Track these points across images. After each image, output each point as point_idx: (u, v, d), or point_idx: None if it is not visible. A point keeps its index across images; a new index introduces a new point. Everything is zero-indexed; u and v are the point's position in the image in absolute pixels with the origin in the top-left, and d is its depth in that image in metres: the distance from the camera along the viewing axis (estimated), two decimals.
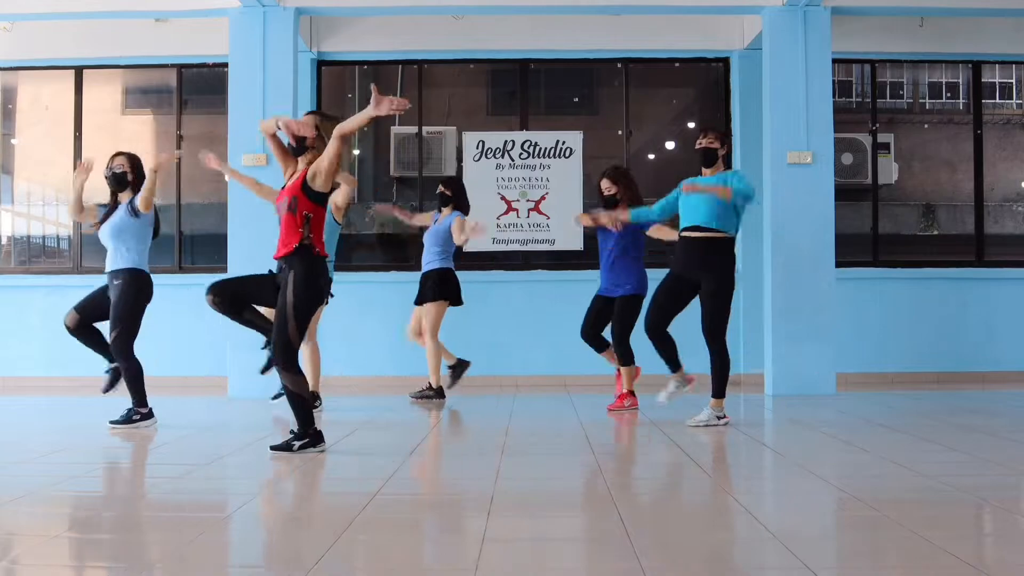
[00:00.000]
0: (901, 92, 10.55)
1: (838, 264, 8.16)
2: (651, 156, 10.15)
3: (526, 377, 8.45)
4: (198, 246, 9.84)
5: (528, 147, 9.39)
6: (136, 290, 5.89)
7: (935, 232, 10.22)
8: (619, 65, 9.77)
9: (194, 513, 3.74)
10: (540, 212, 9.45)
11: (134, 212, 6.00)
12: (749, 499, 3.86)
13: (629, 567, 2.80)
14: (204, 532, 3.31)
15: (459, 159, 9.64)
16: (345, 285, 9.19)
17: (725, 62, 9.78)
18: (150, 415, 5.89)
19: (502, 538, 3.22)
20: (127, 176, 6.10)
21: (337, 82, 10.12)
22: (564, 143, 9.52)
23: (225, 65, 8.69)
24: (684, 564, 2.98)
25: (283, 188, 5.05)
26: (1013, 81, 10.36)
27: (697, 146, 6.19)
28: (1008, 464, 4.52)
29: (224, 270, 8.31)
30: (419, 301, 7.47)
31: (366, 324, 8.94)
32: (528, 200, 9.39)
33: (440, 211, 7.65)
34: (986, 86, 10.08)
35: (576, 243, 9.27)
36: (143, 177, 6.08)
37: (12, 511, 3.66)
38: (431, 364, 7.43)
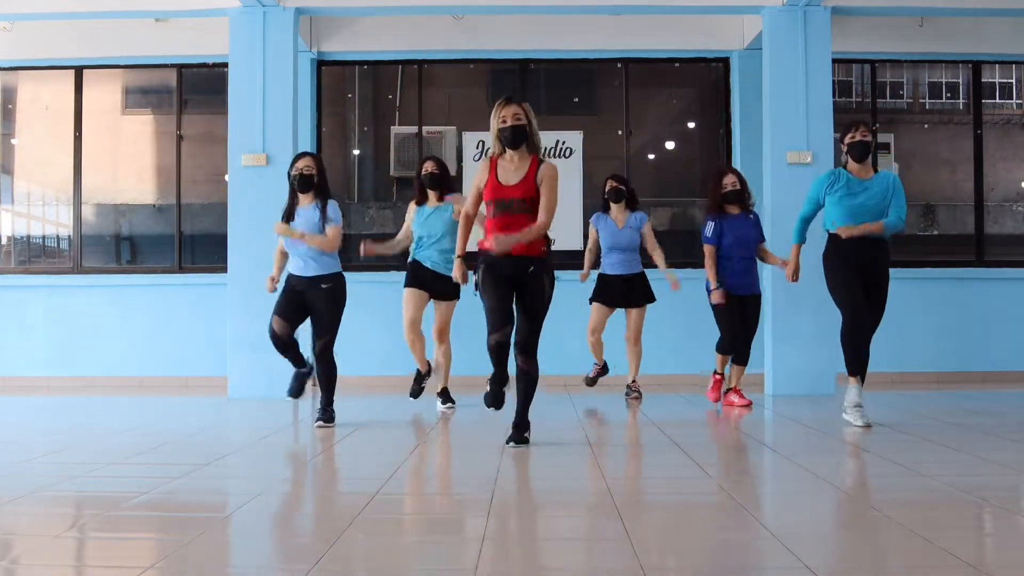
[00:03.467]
0: (901, 92, 10.55)
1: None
2: (651, 156, 10.15)
3: None
4: (198, 246, 9.85)
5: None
6: (343, 293, 6.06)
7: (935, 232, 10.21)
8: (619, 65, 9.77)
9: (194, 513, 3.74)
10: None
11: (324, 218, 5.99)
12: (749, 499, 3.86)
13: (629, 567, 2.80)
14: (204, 532, 3.31)
15: (459, 159, 9.64)
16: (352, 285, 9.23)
17: (725, 62, 9.78)
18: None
19: (502, 538, 3.22)
20: (314, 178, 6.02)
21: (337, 82, 10.12)
22: (564, 143, 9.52)
23: (225, 65, 8.69)
24: (684, 564, 2.98)
25: (500, 187, 5.03)
26: (1013, 81, 10.36)
27: (849, 139, 5.83)
28: (1008, 464, 4.52)
29: (224, 270, 8.32)
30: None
31: (366, 324, 8.92)
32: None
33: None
34: (986, 86, 10.08)
35: (576, 243, 9.27)
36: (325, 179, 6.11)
37: (12, 511, 3.66)
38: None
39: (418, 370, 7.00)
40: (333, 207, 6.04)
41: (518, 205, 4.95)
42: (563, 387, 8.56)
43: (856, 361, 5.72)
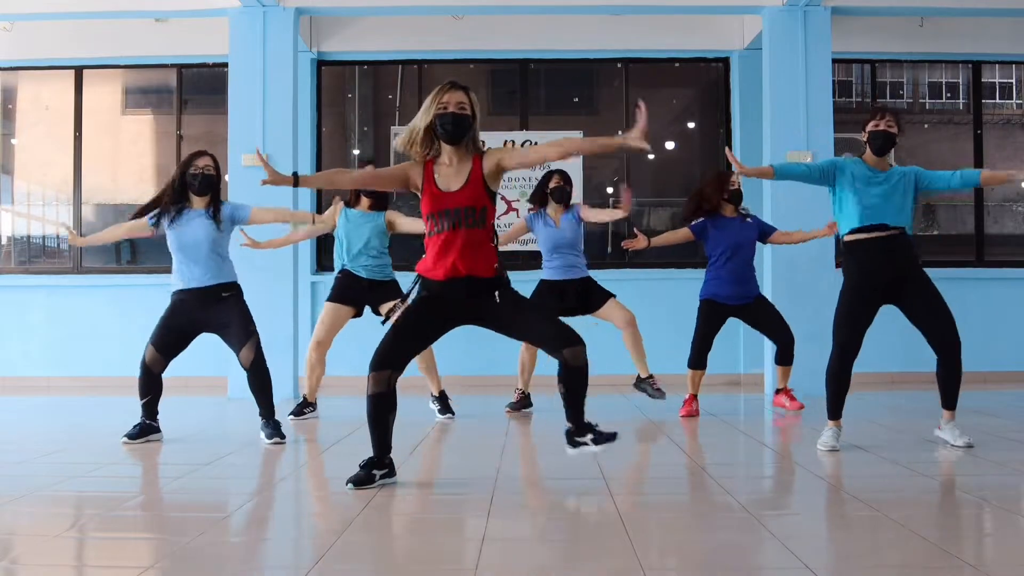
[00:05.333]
0: (901, 92, 10.55)
1: (838, 264, 8.16)
2: (651, 156, 10.14)
3: None
4: None
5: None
6: (243, 300, 5.49)
7: (935, 232, 10.21)
8: (619, 65, 9.77)
9: (194, 513, 3.74)
10: (510, 206, 9.43)
11: (218, 221, 5.43)
12: (749, 499, 3.86)
13: (629, 567, 2.80)
14: (204, 532, 3.31)
15: None
16: None
17: (725, 62, 9.78)
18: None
19: (502, 538, 3.22)
20: (213, 179, 5.47)
21: (337, 82, 10.12)
22: None
23: (225, 65, 8.69)
24: (684, 564, 2.98)
25: (442, 195, 4.06)
26: (1013, 81, 10.35)
27: (872, 127, 5.02)
28: (1008, 464, 4.52)
29: None
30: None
31: (363, 322, 8.91)
32: (528, 200, 9.38)
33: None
34: (986, 86, 10.08)
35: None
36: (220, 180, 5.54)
37: (12, 511, 3.67)
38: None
39: (304, 397, 6.63)
40: (231, 205, 5.52)
41: (467, 218, 3.98)
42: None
43: (837, 402, 5.03)
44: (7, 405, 7.86)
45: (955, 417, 5.08)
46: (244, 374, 5.55)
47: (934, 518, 3.51)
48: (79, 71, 9.83)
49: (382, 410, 4.03)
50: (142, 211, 5.62)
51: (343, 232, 6.44)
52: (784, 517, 3.64)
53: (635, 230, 6.69)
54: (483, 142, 4.20)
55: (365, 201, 6.42)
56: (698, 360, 6.59)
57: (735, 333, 8.53)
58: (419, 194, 4.10)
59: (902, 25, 9.50)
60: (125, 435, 5.43)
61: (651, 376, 6.78)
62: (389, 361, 4.00)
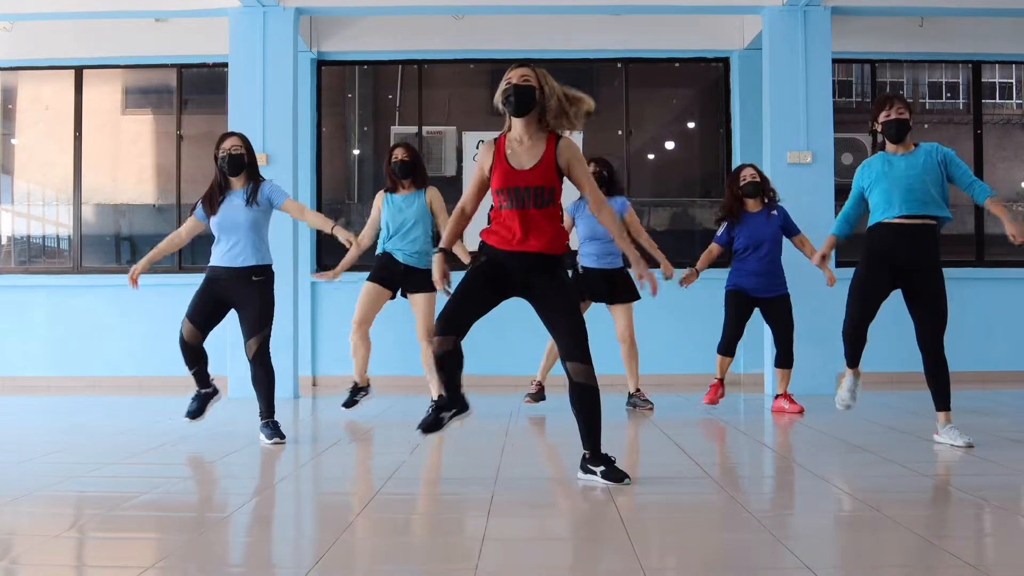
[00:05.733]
0: (901, 92, 10.53)
1: (838, 264, 8.15)
2: (651, 156, 10.15)
3: (526, 377, 8.39)
4: (198, 245, 9.82)
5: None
6: (273, 288, 5.50)
7: None
8: (619, 65, 9.77)
9: (194, 513, 3.74)
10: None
11: (255, 200, 5.43)
12: (749, 499, 3.86)
13: (629, 567, 2.80)
14: (204, 532, 3.31)
15: (459, 159, 9.64)
16: (344, 285, 9.20)
17: (725, 62, 9.79)
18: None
19: (502, 538, 3.22)
20: (243, 158, 5.45)
21: (337, 82, 10.12)
22: None
23: (225, 65, 8.70)
24: (684, 564, 2.98)
25: (513, 173, 4.11)
26: (1013, 81, 10.35)
27: (884, 117, 5.02)
28: (1008, 464, 4.52)
29: None
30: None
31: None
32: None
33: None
34: (986, 86, 10.08)
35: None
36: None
37: (12, 511, 3.66)
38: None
39: (355, 383, 6.59)
40: (272, 185, 5.52)
41: (536, 198, 4.05)
42: (563, 387, 8.55)
43: (854, 353, 5.20)
44: (7, 405, 7.86)
45: (951, 419, 5.09)
46: (245, 374, 5.56)
47: (934, 518, 3.51)
48: (79, 71, 9.83)
49: (451, 366, 4.14)
50: (193, 208, 5.68)
51: (387, 216, 6.42)
52: (784, 517, 3.64)
53: (680, 269, 6.97)
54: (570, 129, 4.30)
55: (404, 183, 6.45)
56: (727, 347, 6.84)
57: None
58: (486, 173, 4.17)
59: (902, 25, 9.51)
60: (186, 414, 5.64)
61: (638, 390, 6.96)
62: (454, 326, 4.08)
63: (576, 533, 3.46)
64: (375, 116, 10.31)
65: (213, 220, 5.47)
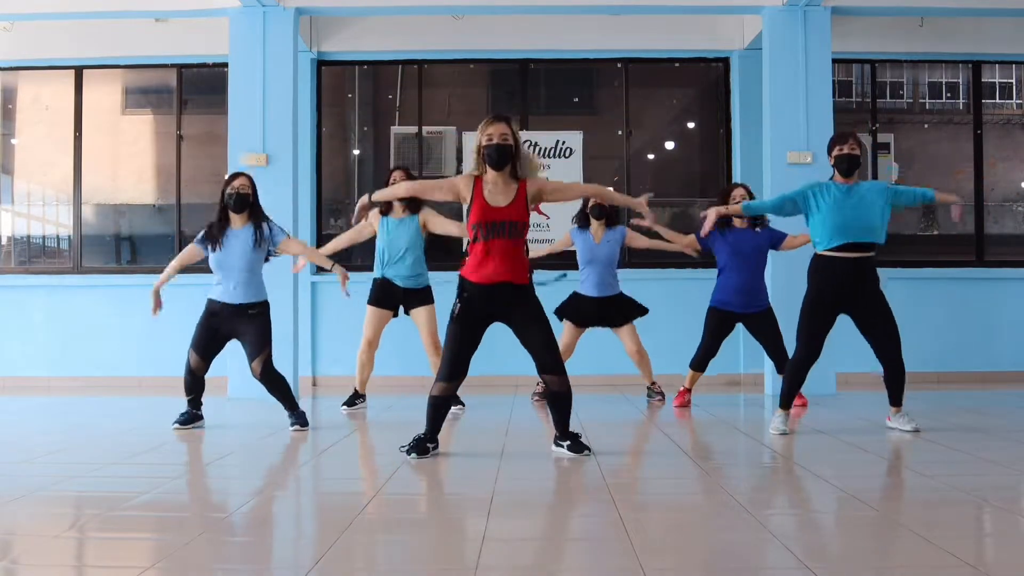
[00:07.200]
0: (901, 92, 10.55)
1: None
2: (651, 156, 10.15)
3: (525, 377, 8.40)
4: None
5: (528, 147, 9.38)
6: (269, 318, 6.00)
7: (935, 232, 10.21)
8: (619, 65, 9.77)
9: (194, 513, 3.75)
10: (540, 212, 9.37)
11: (259, 240, 5.91)
12: (749, 499, 3.86)
13: (629, 567, 2.80)
14: (204, 532, 3.31)
15: (459, 159, 9.65)
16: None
17: (725, 62, 9.79)
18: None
19: (502, 538, 3.22)
20: (249, 198, 5.92)
21: (337, 82, 10.12)
22: (564, 143, 9.53)
23: (225, 65, 8.69)
24: (684, 564, 2.98)
25: (490, 209, 4.73)
26: (1013, 81, 10.36)
27: (837, 152, 5.50)
28: (1008, 464, 4.52)
29: None
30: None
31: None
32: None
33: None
34: (986, 86, 10.08)
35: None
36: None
37: (12, 511, 3.67)
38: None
39: (356, 390, 7.03)
40: (275, 226, 5.99)
41: (511, 229, 4.70)
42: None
43: (792, 394, 5.62)
44: (7, 405, 7.86)
45: (901, 410, 5.67)
46: (245, 375, 5.72)
47: (934, 518, 3.51)
48: (79, 71, 9.83)
49: (443, 409, 4.87)
50: (197, 237, 6.05)
51: (383, 242, 6.79)
52: (784, 517, 3.64)
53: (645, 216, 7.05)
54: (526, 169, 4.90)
55: (397, 206, 6.78)
56: (700, 363, 6.96)
57: (735, 334, 8.50)
58: (466, 204, 4.79)
59: (902, 25, 9.51)
60: (176, 421, 5.98)
61: (653, 383, 7.42)
62: (458, 372, 4.78)
63: (576, 533, 3.46)
64: (375, 116, 10.31)
65: (213, 256, 5.89)
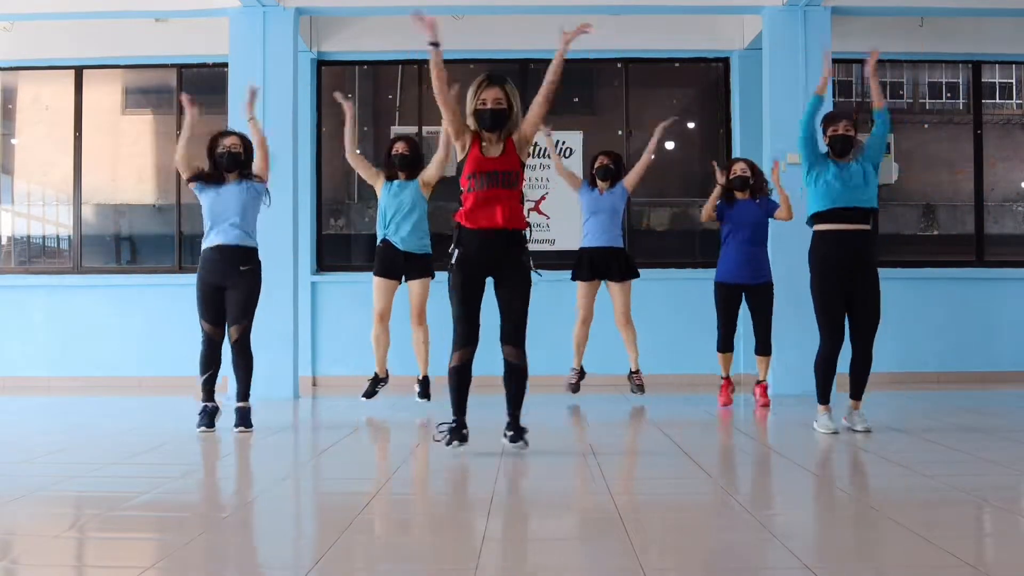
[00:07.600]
0: (901, 92, 10.55)
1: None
2: (651, 156, 10.13)
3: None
4: (198, 246, 9.82)
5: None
6: (260, 277, 5.77)
7: (935, 232, 10.21)
8: (619, 65, 9.76)
9: (194, 513, 3.74)
10: (540, 212, 9.45)
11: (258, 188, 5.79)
12: (749, 499, 3.86)
13: (629, 567, 2.80)
14: (204, 532, 3.31)
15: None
16: (344, 285, 9.21)
17: (725, 62, 9.78)
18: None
19: (502, 538, 3.22)
20: (240, 156, 5.73)
21: (337, 82, 10.11)
22: (564, 143, 9.52)
23: (225, 65, 8.69)
24: (684, 564, 2.98)
25: (484, 160, 4.81)
26: (1013, 81, 10.35)
27: (832, 132, 5.56)
28: (1008, 464, 4.52)
29: None
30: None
31: (368, 323, 8.92)
32: (528, 200, 9.37)
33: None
34: (986, 86, 10.08)
35: (575, 243, 9.26)
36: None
37: (12, 511, 3.66)
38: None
39: (376, 374, 7.02)
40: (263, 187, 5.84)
41: (504, 178, 4.77)
42: (562, 387, 8.56)
43: (827, 388, 5.58)
44: (7, 405, 7.86)
45: (859, 407, 5.60)
46: None
47: (934, 518, 3.50)
48: (79, 71, 9.83)
49: (466, 380, 4.85)
50: (192, 175, 5.81)
51: (384, 203, 6.89)
52: (784, 517, 3.64)
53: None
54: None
55: (401, 174, 6.95)
56: (724, 343, 6.98)
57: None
58: (461, 152, 4.86)
59: (902, 25, 9.49)
60: (201, 426, 5.67)
61: (637, 371, 7.39)
62: (471, 334, 4.79)
63: (576, 533, 3.46)
64: (375, 116, 10.30)
65: (205, 200, 5.71)
